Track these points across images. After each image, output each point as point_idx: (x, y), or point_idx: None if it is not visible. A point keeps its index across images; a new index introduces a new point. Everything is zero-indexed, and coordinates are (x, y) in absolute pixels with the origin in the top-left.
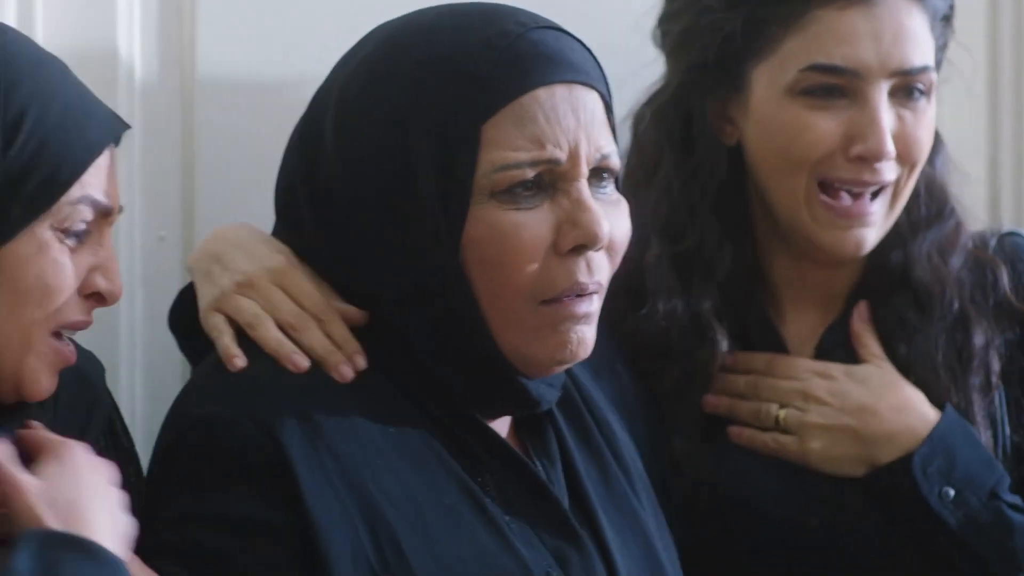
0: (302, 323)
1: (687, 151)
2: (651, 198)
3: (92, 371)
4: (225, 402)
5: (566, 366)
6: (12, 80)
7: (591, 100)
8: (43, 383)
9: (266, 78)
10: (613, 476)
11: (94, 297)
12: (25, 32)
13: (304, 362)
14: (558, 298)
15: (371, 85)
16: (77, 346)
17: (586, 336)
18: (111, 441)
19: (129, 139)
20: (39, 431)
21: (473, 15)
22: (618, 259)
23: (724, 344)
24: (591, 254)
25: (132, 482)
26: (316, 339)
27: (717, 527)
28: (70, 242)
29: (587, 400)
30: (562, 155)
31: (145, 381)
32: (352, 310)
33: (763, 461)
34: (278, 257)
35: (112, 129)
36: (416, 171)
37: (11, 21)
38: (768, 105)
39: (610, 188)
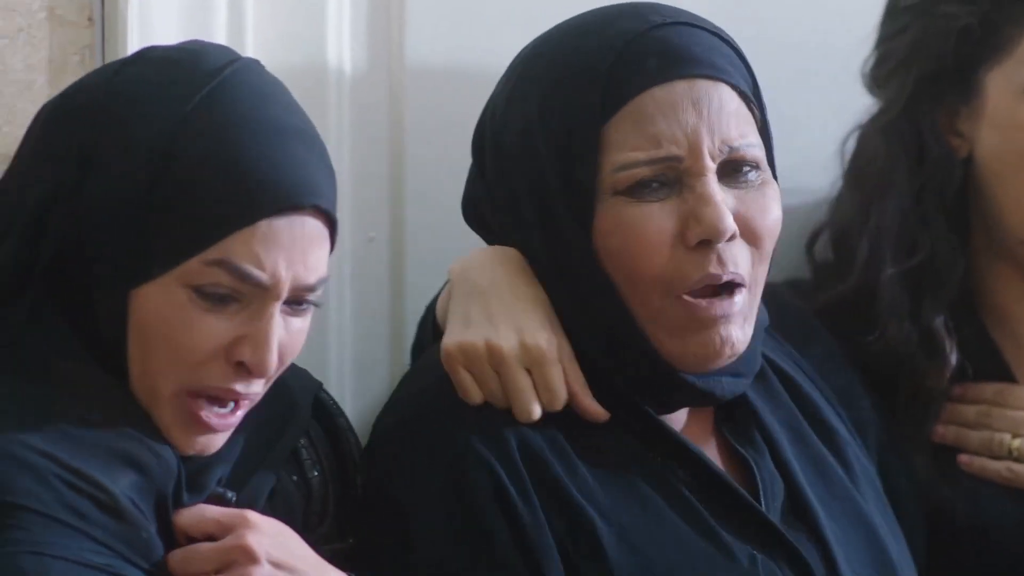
0: (531, 405)
1: (919, 166)
2: (882, 217)
3: (299, 389)
4: (436, 419)
5: (716, 366)
6: (193, 124)
7: (718, 94)
8: (176, 439)
9: (476, 71)
10: (828, 466)
11: (243, 368)
12: (236, 32)
13: (536, 412)
14: (695, 293)
15: (512, 94)
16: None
17: (732, 336)
18: (297, 461)
19: (338, 138)
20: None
21: (607, 15)
22: (766, 246)
23: (953, 362)
24: (722, 246)
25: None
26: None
27: (950, 553)
28: (206, 303)
29: (791, 389)
30: (681, 152)
31: (354, 382)
32: (593, 409)
33: (997, 489)
34: (537, 335)
35: (285, 203)
36: (545, 172)
37: (222, 22)
38: (1006, 108)
39: (752, 175)
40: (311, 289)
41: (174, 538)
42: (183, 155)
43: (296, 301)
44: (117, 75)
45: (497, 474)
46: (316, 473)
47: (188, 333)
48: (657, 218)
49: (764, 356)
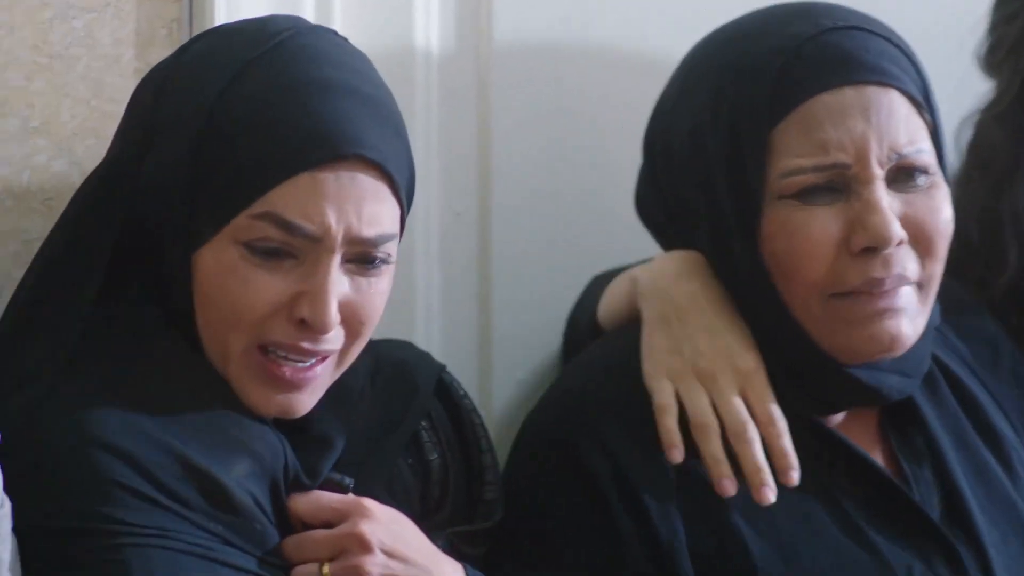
0: (748, 436)
1: None
2: (1011, 199)
3: (420, 371)
4: (580, 419)
5: (882, 356)
6: (243, 85)
7: (887, 100)
8: (253, 399)
9: (563, 47)
10: (991, 472)
11: (305, 325)
12: (324, 10)
13: (732, 489)
14: (849, 292)
15: (681, 94)
16: (409, 346)
17: (899, 329)
18: (416, 443)
19: (426, 118)
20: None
21: (778, 16)
22: (938, 247)
23: None
24: (887, 252)
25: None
26: (753, 455)
27: None
28: (258, 259)
29: (958, 392)
30: (848, 159)
31: (442, 358)
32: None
33: None
34: (745, 356)
35: (326, 151)
36: (713, 174)
37: (311, 3)
38: None
39: (922, 180)
40: (371, 243)
41: (288, 521)
42: (228, 114)
43: (362, 259)
44: (185, 51)
45: (631, 479)
46: (435, 456)
47: (244, 290)
48: (821, 223)
49: (933, 357)
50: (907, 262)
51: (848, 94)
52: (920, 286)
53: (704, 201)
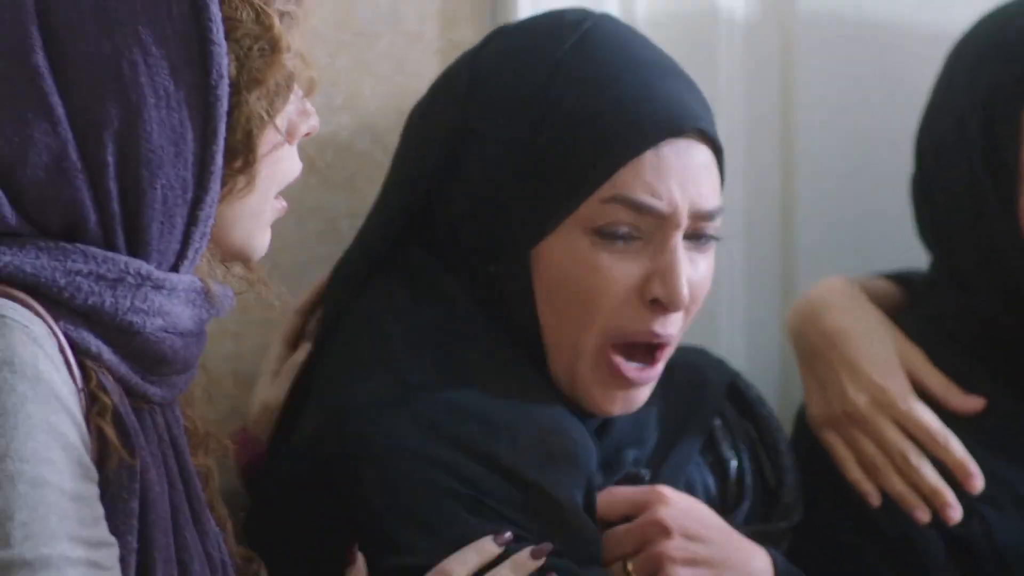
0: (913, 463)
1: None
2: None
3: (712, 374)
4: None
5: None
6: (565, 75)
7: None
8: (598, 398)
9: (868, 20)
10: None
11: (658, 305)
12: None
13: (925, 516)
14: None
15: (946, 86)
16: (702, 352)
17: None
18: (712, 443)
19: (728, 87)
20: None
21: None
22: None
23: None
24: None
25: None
26: (925, 481)
27: None
28: (609, 244)
29: None
30: None
31: (744, 354)
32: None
33: None
34: (890, 380)
35: (667, 128)
36: (973, 157)
37: None
38: None
39: None
40: (709, 217)
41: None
42: (560, 101)
43: (696, 235)
44: (481, 52)
45: None
46: (731, 456)
47: (599, 277)
48: None
49: None
50: None
51: None
52: None
53: (965, 183)
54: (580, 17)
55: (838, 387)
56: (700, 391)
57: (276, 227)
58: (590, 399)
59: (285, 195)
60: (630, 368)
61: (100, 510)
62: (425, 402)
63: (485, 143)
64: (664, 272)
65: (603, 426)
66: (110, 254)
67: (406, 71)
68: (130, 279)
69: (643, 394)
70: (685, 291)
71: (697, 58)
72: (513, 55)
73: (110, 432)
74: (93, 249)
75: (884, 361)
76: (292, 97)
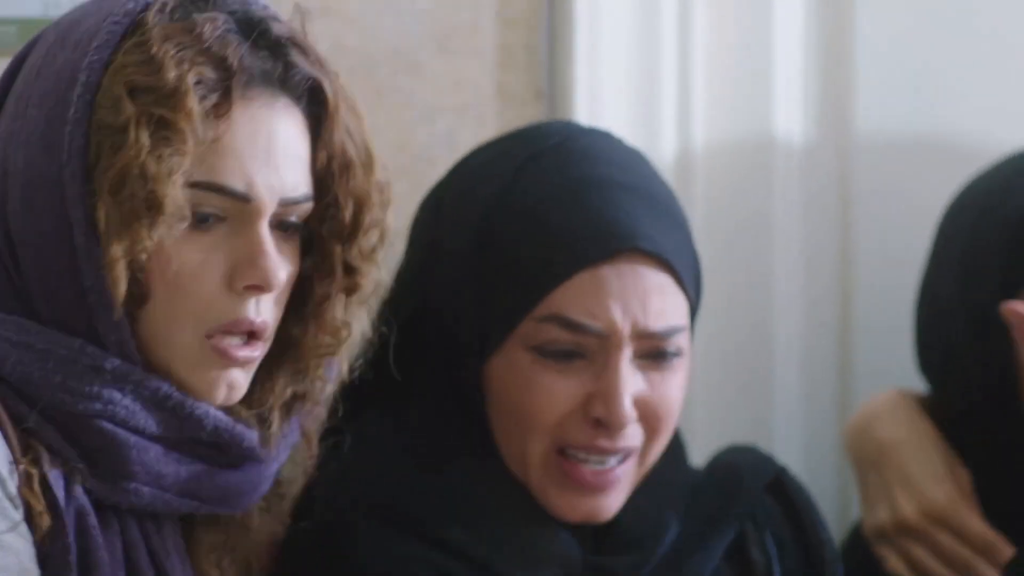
0: (973, 564)
1: None
2: None
3: (749, 473)
4: None
5: None
6: (514, 192)
7: None
8: (556, 504)
9: (927, 145)
10: None
11: (601, 424)
12: (683, 103)
13: None
14: None
15: (937, 250)
16: (748, 450)
17: None
18: (740, 544)
19: (786, 211)
20: None
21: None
22: None
23: None
24: None
25: None
26: None
27: None
28: (550, 362)
29: None
30: None
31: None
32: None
33: None
34: (939, 489)
35: (604, 248)
36: (964, 352)
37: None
38: None
39: None
40: (660, 337)
41: None
42: (504, 218)
43: (653, 354)
44: (462, 163)
45: None
46: (760, 558)
47: (539, 395)
48: None
49: None
50: None
51: None
52: None
53: (959, 370)
54: (557, 130)
55: (890, 498)
56: (732, 495)
57: None
58: (551, 506)
59: None
60: (586, 471)
61: None
62: (412, 510)
63: (443, 258)
64: (605, 392)
65: (601, 529)
66: (42, 327)
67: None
68: (61, 351)
69: (610, 501)
70: (626, 412)
71: (754, 185)
72: (479, 166)
73: (35, 503)
74: (27, 321)
75: (935, 472)
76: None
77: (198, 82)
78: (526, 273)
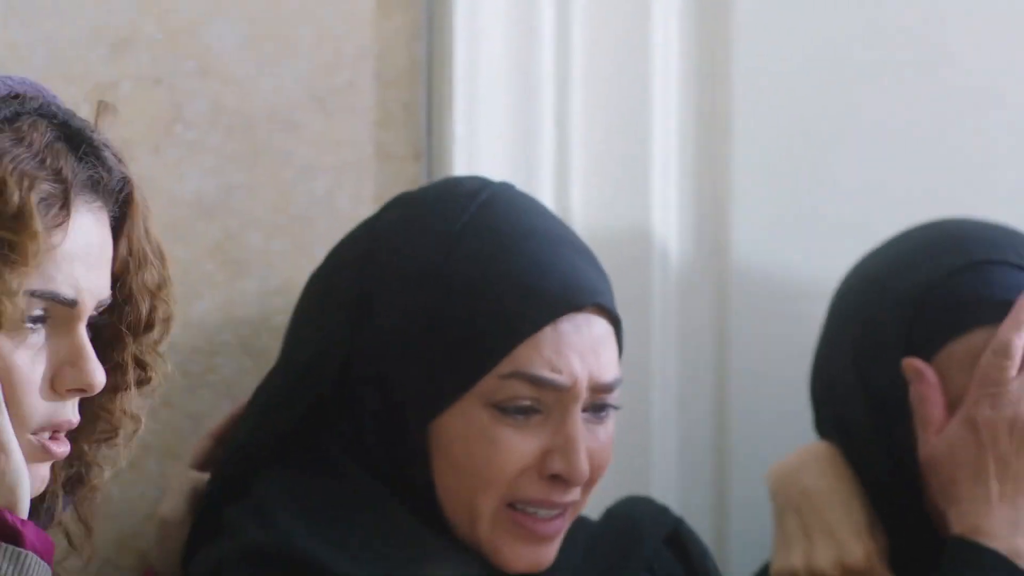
0: None
1: None
2: None
3: (648, 525)
4: None
5: None
6: (462, 251)
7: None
8: (505, 556)
9: (804, 274)
10: None
11: (558, 480)
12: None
13: None
14: None
15: (830, 335)
16: (644, 501)
17: None
18: None
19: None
20: None
21: (900, 261)
22: None
23: None
24: None
25: None
26: None
27: None
28: (509, 419)
29: None
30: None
31: None
32: None
33: None
34: (858, 544)
35: (565, 305)
36: (862, 432)
37: (548, 201)
38: None
39: None
40: (608, 388)
41: None
42: (456, 276)
43: (595, 407)
44: (378, 220)
45: None
46: None
47: (497, 451)
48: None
49: None
50: None
51: (978, 336)
52: None
53: (858, 451)
54: (478, 187)
55: (807, 544)
56: (630, 547)
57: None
58: (498, 558)
59: (222, 378)
60: (536, 522)
61: None
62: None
63: (383, 314)
64: (565, 447)
65: None
66: None
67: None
68: None
69: (552, 550)
70: (586, 466)
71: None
72: (410, 224)
73: None
74: None
75: (856, 527)
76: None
77: (41, 200)
78: (489, 329)
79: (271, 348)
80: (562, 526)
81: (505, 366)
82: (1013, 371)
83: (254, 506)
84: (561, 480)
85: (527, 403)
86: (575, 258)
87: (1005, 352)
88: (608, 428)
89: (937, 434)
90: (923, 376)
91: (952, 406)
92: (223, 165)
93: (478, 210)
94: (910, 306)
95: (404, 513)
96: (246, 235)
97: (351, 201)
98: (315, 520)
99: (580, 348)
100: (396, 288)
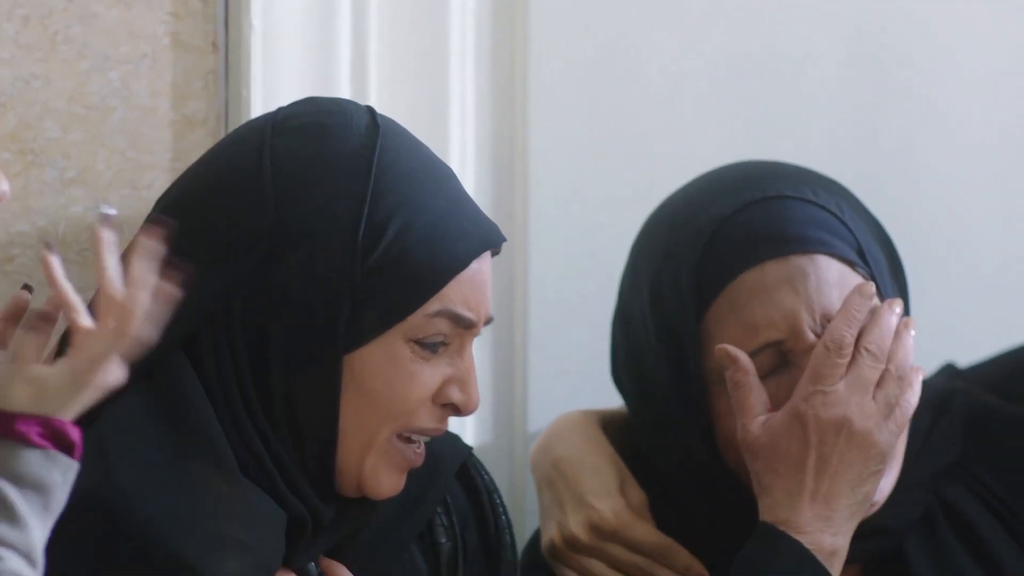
0: (650, 569)
1: None
2: None
3: (446, 456)
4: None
5: None
6: (381, 188)
7: (814, 268)
8: (383, 483)
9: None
10: None
11: (449, 407)
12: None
13: None
14: None
15: (632, 274)
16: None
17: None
18: (428, 528)
19: None
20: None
21: (707, 192)
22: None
23: None
24: None
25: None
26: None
27: None
28: (426, 353)
29: (967, 535)
30: (780, 334)
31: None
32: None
33: None
34: (606, 504)
35: (483, 243)
36: (656, 364)
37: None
38: None
39: None
40: (489, 323)
41: None
42: (385, 222)
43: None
44: (273, 152)
45: None
46: (445, 540)
47: (413, 384)
48: (760, 394)
49: (940, 499)
50: None
51: (770, 269)
52: None
53: (654, 387)
54: (369, 118)
55: (561, 515)
56: (431, 476)
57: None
58: (374, 484)
59: (19, 268)
60: (411, 454)
61: None
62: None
63: (303, 251)
64: (463, 379)
65: (319, 523)
66: None
67: (139, 146)
68: None
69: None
70: (479, 396)
71: None
72: (317, 160)
73: None
74: None
75: (605, 489)
76: None
77: None
78: (420, 270)
79: (68, 238)
80: (424, 455)
81: (433, 304)
82: (843, 369)
83: (96, 437)
84: (452, 409)
85: (442, 339)
86: (469, 196)
87: (838, 349)
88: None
89: (752, 419)
90: (737, 361)
91: (746, 338)
92: (19, 55)
93: (382, 144)
94: (704, 238)
95: (233, 465)
96: (43, 125)
97: (148, 92)
98: (143, 465)
99: (483, 285)
100: (319, 224)
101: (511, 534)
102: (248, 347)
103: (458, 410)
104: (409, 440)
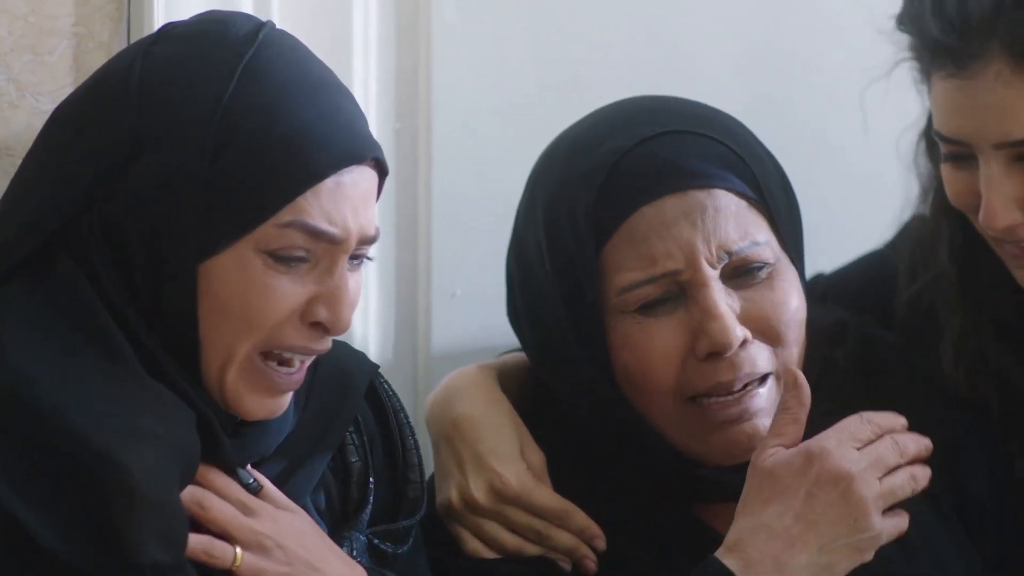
0: (547, 532)
1: None
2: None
3: (356, 373)
4: None
5: (744, 460)
6: (243, 92)
7: (712, 201)
8: (246, 403)
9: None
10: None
11: (319, 327)
12: None
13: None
14: (702, 397)
15: (528, 207)
16: (345, 346)
17: (755, 430)
18: (339, 446)
19: None
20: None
21: (604, 126)
22: (788, 336)
23: None
24: (731, 354)
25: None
26: (563, 539)
27: None
28: (281, 266)
29: None
30: (678, 265)
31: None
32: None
33: None
34: (507, 468)
35: (349, 156)
36: (557, 292)
37: None
38: None
39: (761, 272)
40: (371, 241)
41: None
42: (241, 124)
43: (356, 256)
44: (147, 58)
45: None
46: (355, 459)
47: (267, 298)
48: (665, 334)
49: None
50: (757, 359)
51: (669, 203)
52: (777, 377)
53: (552, 317)
54: (252, 27)
55: (460, 476)
56: (343, 394)
57: None
58: (237, 404)
59: None
60: (279, 375)
61: None
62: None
63: (160, 153)
64: (331, 297)
65: (237, 433)
66: None
67: (42, 11)
68: None
69: (287, 399)
70: (350, 316)
71: None
72: (187, 65)
73: None
74: None
75: (506, 451)
76: None
77: None
78: (271, 177)
79: None
80: (300, 379)
81: (284, 215)
82: (869, 441)
83: None
84: (322, 328)
85: (300, 253)
86: (352, 109)
87: (874, 425)
88: (359, 278)
89: (773, 443)
90: (799, 389)
91: (643, 269)
92: None
93: (254, 56)
94: (602, 172)
95: (132, 360)
96: None
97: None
98: (40, 353)
99: (354, 201)
100: (175, 128)
101: (418, 455)
102: (113, 250)
103: (327, 329)
104: (282, 362)
